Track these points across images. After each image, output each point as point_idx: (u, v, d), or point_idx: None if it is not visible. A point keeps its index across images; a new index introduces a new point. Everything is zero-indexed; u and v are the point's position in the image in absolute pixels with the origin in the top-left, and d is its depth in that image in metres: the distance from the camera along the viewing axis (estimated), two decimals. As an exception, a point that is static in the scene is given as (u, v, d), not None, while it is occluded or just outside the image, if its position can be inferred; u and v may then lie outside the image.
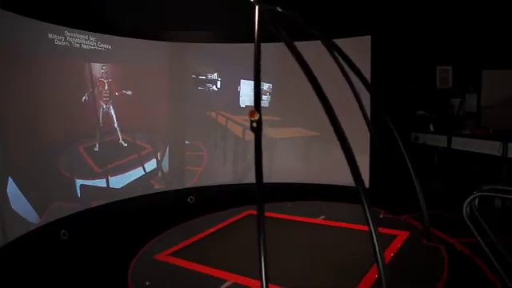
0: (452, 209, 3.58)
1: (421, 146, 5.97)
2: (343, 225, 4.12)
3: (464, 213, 2.56)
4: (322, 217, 4.61)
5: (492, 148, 4.79)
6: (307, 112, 5.43)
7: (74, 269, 3.72)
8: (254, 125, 2.57)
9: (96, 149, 5.23)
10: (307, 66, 2.50)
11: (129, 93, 5.48)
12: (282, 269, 3.36)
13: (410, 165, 3.57)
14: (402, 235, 3.86)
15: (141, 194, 5.73)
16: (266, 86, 6.49)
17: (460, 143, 5.36)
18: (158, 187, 6.04)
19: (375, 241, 2.07)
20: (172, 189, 6.09)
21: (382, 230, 3.99)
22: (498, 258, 2.60)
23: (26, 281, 3.49)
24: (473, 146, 5.14)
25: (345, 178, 5.43)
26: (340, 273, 3.31)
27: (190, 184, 6.25)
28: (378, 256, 2.06)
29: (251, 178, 6.76)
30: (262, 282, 2.47)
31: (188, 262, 3.68)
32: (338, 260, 3.55)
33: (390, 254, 3.48)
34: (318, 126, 5.63)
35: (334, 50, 3.64)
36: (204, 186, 6.23)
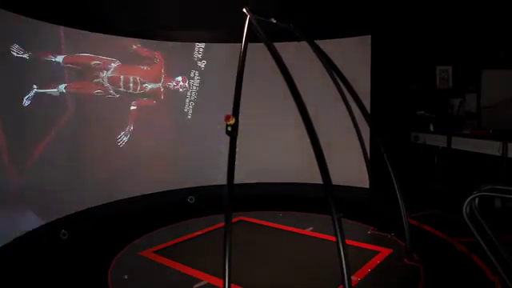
0: (452, 209, 3.58)
1: (421, 145, 5.98)
2: (328, 237, 4.16)
3: (464, 213, 2.56)
4: (310, 228, 4.70)
5: (492, 148, 4.79)
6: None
7: (74, 269, 3.72)
8: (229, 129, 2.64)
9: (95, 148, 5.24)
10: (286, 69, 2.64)
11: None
12: (257, 274, 3.50)
13: (392, 175, 3.57)
14: (384, 252, 3.89)
15: (141, 193, 5.74)
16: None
17: (460, 143, 5.36)
18: (158, 187, 6.03)
19: (341, 249, 2.15)
20: (172, 189, 6.10)
21: (365, 245, 4.05)
22: (498, 257, 2.60)
23: (26, 281, 3.49)
24: (473, 145, 5.14)
25: (345, 179, 5.43)
26: (313, 283, 3.36)
27: (190, 184, 6.25)
28: (344, 266, 2.15)
29: (252, 179, 6.78)
30: (224, 282, 2.62)
31: (169, 261, 3.83)
32: (314, 270, 3.61)
33: (367, 269, 3.52)
34: (318, 126, 5.63)
35: (324, 57, 3.74)
36: (204, 186, 6.23)
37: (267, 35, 2.85)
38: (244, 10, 2.97)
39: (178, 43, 6.06)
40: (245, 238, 4.35)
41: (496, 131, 5.06)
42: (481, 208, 2.66)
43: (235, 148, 2.78)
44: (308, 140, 2.46)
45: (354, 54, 5.86)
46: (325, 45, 3.93)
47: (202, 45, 6.21)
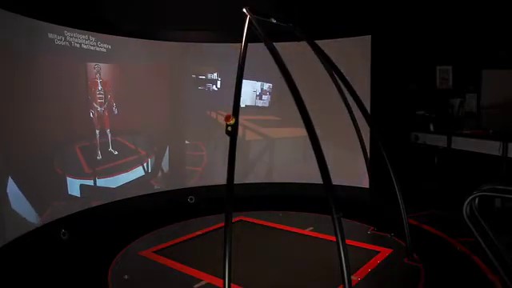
0: (452, 209, 3.58)
1: (421, 145, 5.97)
2: (328, 237, 4.17)
3: (464, 213, 2.56)
4: (310, 228, 4.70)
5: (492, 148, 4.79)
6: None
7: (74, 268, 3.72)
8: (229, 129, 2.65)
9: (97, 151, 5.24)
10: (286, 68, 2.65)
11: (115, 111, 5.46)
12: (257, 274, 3.50)
13: (392, 175, 3.58)
14: (384, 252, 3.90)
15: (141, 193, 5.74)
16: (266, 86, 6.49)
17: (460, 143, 5.35)
18: (158, 187, 6.04)
19: (341, 249, 2.16)
20: (172, 189, 6.10)
21: (365, 245, 4.05)
22: (498, 257, 2.60)
23: (26, 281, 3.49)
24: (473, 145, 5.14)
25: (345, 178, 5.43)
26: (313, 283, 3.36)
27: (190, 184, 6.25)
28: (344, 266, 2.16)
29: (252, 178, 6.79)
30: (224, 282, 2.62)
31: (170, 261, 3.84)
32: (314, 270, 3.61)
33: (367, 269, 3.53)
34: (318, 126, 5.63)
35: (324, 57, 3.75)
36: (204, 186, 6.23)
37: (267, 35, 2.85)
38: (244, 9, 2.97)
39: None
40: (245, 238, 4.35)
41: (496, 131, 5.05)
42: (481, 208, 2.66)
43: (235, 147, 2.78)
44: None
45: (354, 54, 5.85)
46: (325, 45, 3.93)
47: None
